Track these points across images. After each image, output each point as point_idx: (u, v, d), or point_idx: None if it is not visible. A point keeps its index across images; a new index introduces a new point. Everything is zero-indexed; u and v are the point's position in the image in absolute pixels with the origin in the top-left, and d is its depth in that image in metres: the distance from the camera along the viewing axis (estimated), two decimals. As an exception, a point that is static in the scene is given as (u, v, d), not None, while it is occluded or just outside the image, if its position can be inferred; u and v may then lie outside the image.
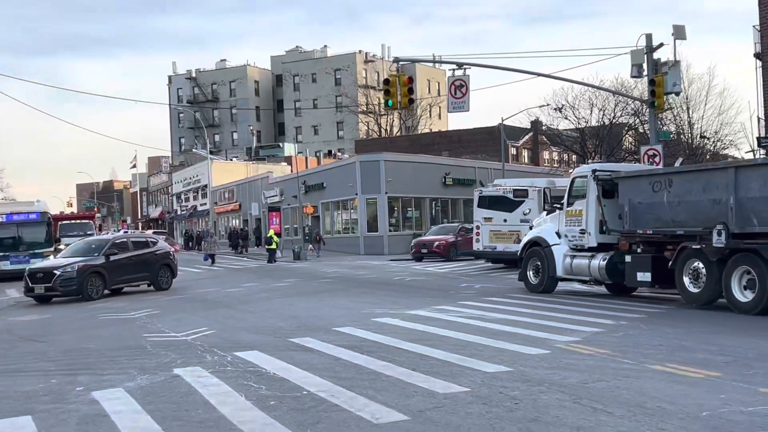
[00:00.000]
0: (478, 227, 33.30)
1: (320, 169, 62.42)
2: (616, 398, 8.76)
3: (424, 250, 41.09)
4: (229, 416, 8.54)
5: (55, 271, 24.52)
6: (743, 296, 16.08)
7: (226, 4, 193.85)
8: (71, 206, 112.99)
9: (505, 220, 31.69)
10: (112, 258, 25.65)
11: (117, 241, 27.18)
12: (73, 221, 55.46)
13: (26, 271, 25.94)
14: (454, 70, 26.17)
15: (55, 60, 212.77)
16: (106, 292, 25.78)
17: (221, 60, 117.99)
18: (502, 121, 54.21)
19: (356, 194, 52.33)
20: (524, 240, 23.65)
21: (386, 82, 25.95)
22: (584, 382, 9.70)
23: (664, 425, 7.59)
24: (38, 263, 28.22)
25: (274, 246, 44.98)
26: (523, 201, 31.28)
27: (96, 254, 25.69)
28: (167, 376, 11.14)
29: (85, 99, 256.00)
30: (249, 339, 14.42)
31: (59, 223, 50.52)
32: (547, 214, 23.16)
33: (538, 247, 22.15)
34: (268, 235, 46.72)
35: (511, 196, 31.49)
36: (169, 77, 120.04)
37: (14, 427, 8.57)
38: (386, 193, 51.65)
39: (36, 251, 36.88)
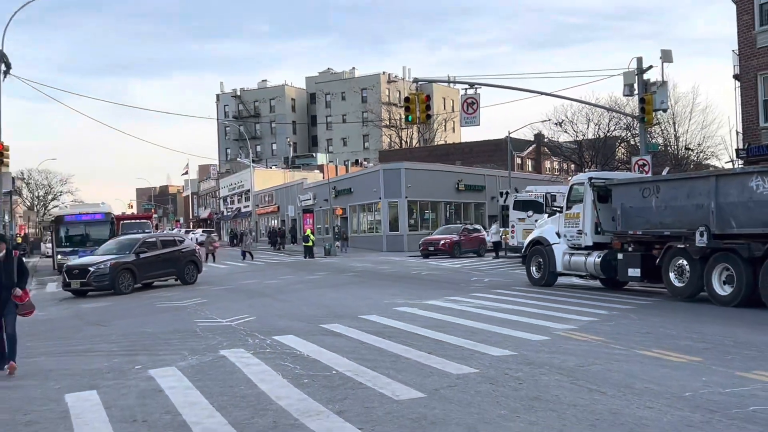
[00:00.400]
0: (513, 226, 35.07)
1: (348, 176, 62.41)
2: (608, 380, 8.71)
3: (431, 248, 40.73)
4: (268, 392, 8.58)
5: (89, 268, 23.80)
6: (723, 290, 15.94)
7: (266, 31, 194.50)
8: (131, 207, 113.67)
9: (536, 221, 31.97)
10: (141, 255, 24.93)
11: (147, 240, 26.26)
12: (133, 220, 55.63)
13: (63, 268, 25.35)
14: (466, 89, 26.10)
15: (117, 79, 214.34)
16: (137, 286, 24.99)
17: (262, 80, 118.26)
18: (509, 134, 53.92)
19: (380, 198, 52.25)
20: (528, 239, 23.54)
21: (407, 99, 25.92)
22: (580, 365, 9.65)
23: (651, 404, 7.54)
24: (75, 260, 26.91)
25: (310, 243, 44.88)
26: None
27: (127, 252, 24.93)
28: (214, 356, 11.20)
29: (143, 114, 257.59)
30: (285, 325, 14.46)
31: (121, 222, 50.72)
32: (548, 217, 23.05)
33: (540, 245, 22.03)
34: (306, 234, 46.63)
35: (541, 200, 31.79)
36: (217, 95, 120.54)
37: (82, 400, 8.64)
38: (406, 197, 51.52)
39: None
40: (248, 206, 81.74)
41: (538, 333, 12.43)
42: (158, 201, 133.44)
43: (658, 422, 6.88)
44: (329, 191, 57.08)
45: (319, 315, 15.85)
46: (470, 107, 25.49)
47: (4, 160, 29.24)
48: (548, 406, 7.57)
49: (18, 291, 10.57)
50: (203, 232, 71.77)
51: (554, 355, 10.41)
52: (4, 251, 10.61)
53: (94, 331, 15.14)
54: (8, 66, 29.63)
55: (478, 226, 45.83)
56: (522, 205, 35.11)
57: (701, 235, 16.17)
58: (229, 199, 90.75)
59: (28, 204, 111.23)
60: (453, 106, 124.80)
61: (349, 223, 57.07)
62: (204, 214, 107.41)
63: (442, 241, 40.68)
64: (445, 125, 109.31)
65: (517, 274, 25.71)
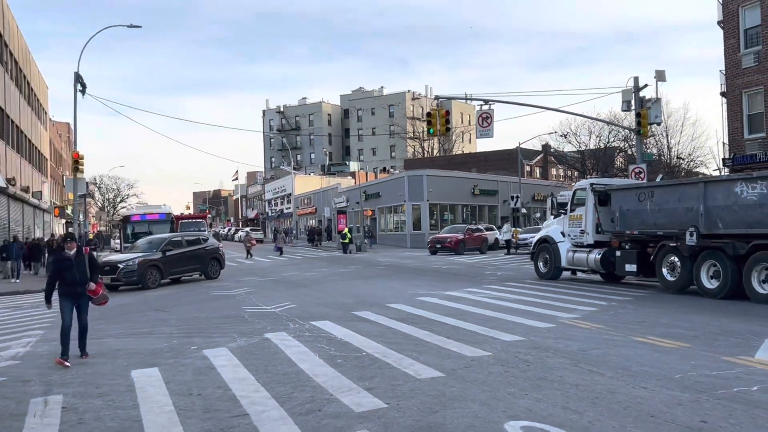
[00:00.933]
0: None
1: (377, 181, 62.35)
2: (607, 363, 8.63)
3: (438, 245, 39.84)
4: (306, 371, 8.62)
5: (119, 265, 22.82)
6: (710, 284, 15.70)
7: (306, 55, 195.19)
8: (189, 209, 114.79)
9: None
10: (168, 253, 23.98)
11: (173, 239, 25.23)
12: (189, 220, 56.20)
13: None
14: (481, 105, 25.96)
15: (176, 97, 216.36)
16: (164, 281, 24.22)
17: (302, 98, 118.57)
18: (519, 144, 53.57)
19: (405, 201, 52.17)
20: (535, 238, 23.36)
21: (428, 114, 25.84)
22: (582, 349, 9.57)
23: (645, 384, 7.45)
24: (106, 257, 25.82)
25: (347, 240, 44.81)
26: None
27: (155, 250, 23.94)
28: (260, 339, 11.27)
29: (198, 127, 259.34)
30: (322, 311, 14.51)
31: (180, 221, 51.22)
32: (554, 218, 22.85)
33: (546, 243, 21.86)
34: (343, 232, 46.53)
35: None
36: (263, 111, 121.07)
37: (145, 376, 8.75)
38: (428, 200, 51.41)
39: None
40: (290, 208, 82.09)
41: (545, 321, 12.34)
42: (212, 203, 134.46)
43: (651, 401, 6.80)
44: (360, 195, 57.13)
45: (351, 303, 15.88)
46: (485, 121, 25.34)
47: (80, 167, 29.63)
48: (553, 385, 7.52)
49: (92, 285, 10.30)
50: (250, 230, 72.04)
51: (559, 340, 10.33)
52: (75, 249, 10.32)
53: (157, 316, 15.30)
54: (84, 86, 30.02)
55: (481, 226, 44.88)
56: (558, 206, 34.90)
57: (691, 234, 15.94)
58: (273, 202, 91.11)
59: (100, 205, 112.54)
60: (470, 120, 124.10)
61: (377, 223, 57.04)
62: (251, 214, 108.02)
63: (448, 240, 39.82)
64: (462, 137, 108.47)
65: (526, 268, 25.53)
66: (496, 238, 43.63)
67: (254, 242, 46.89)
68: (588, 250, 19.90)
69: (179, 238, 25.83)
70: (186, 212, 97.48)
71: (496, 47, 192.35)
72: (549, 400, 6.91)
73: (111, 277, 22.48)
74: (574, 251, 20.49)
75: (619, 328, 11.40)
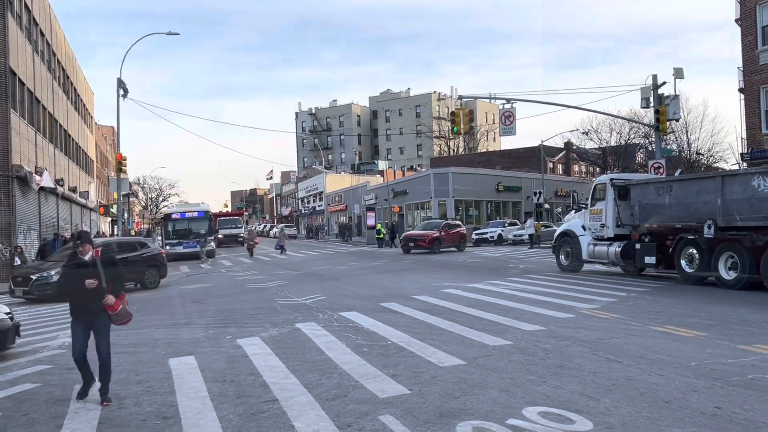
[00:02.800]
0: None
1: (404, 179, 62.24)
2: (625, 351, 8.52)
3: (411, 244, 35.57)
4: (334, 359, 8.65)
5: (32, 276, 19.19)
6: (728, 275, 15.41)
7: (336, 59, 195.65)
8: (227, 206, 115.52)
9: None
10: None
11: (101, 245, 19.01)
12: (227, 217, 56.82)
13: (12, 275, 20.65)
14: (503, 104, 25.77)
15: (213, 101, 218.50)
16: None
17: (333, 100, 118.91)
18: (542, 142, 53.09)
19: (431, 198, 52.04)
20: (557, 231, 23.13)
21: (452, 114, 25.78)
22: (601, 339, 9.46)
23: (661, 372, 7.34)
24: (22, 270, 21.19)
25: (381, 235, 44.67)
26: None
27: None
28: (291, 329, 11.34)
29: (234, 128, 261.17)
30: (350, 303, 14.54)
31: (218, 218, 51.50)
32: (575, 212, 22.60)
33: (568, 237, 21.64)
34: (377, 228, 46.32)
35: None
36: (296, 113, 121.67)
37: (182, 363, 8.86)
38: (453, 197, 51.22)
39: (200, 239, 37.68)
40: (321, 205, 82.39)
41: (565, 311, 12.22)
42: (248, 201, 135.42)
43: (666, 387, 6.70)
44: (388, 192, 57.11)
45: (378, 295, 15.89)
46: (507, 119, 25.13)
47: (123, 168, 30.07)
48: (571, 373, 7.44)
49: (110, 299, 7.14)
50: (285, 226, 72.47)
51: (578, 330, 10.22)
52: (89, 254, 7.22)
53: (195, 308, 15.47)
54: (126, 91, 30.47)
55: (458, 222, 41.38)
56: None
57: (709, 227, 15.66)
58: (306, 200, 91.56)
59: (143, 204, 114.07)
60: (494, 119, 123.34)
61: (404, 219, 56.94)
62: (285, 212, 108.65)
63: (423, 237, 35.61)
64: (487, 135, 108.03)
65: (548, 261, 25.30)
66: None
67: (257, 241, 43.17)
68: (608, 243, 19.65)
69: (110, 244, 21.64)
70: (224, 210, 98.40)
71: (518, 48, 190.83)
72: (566, 386, 6.85)
73: (23, 289, 19.03)
74: (595, 244, 20.24)
75: (637, 317, 11.24)
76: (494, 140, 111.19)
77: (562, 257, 21.80)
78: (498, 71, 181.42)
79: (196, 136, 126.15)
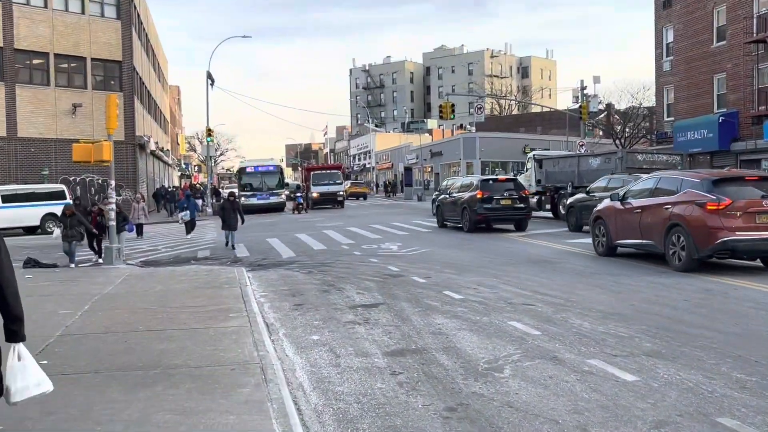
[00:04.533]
0: None
1: (439, 142, 75.49)
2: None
3: None
4: (335, 239, 23.23)
5: None
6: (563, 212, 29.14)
7: (396, 17, 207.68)
8: (282, 161, 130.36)
9: None
10: None
11: None
12: (322, 171, 51.74)
13: None
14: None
15: (251, 45, 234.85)
16: None
17: (387, 56, 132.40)
18: (585, 100, 65.39)
19: (460, 159, 65.60)
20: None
21: (440, 107, 39.29)
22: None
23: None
24: None
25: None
26: None
27: None
28: (318, 231, 25.87)
29: (277, 77, 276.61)
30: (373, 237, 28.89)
31: (311, 173, 50.18)
32: (521, 175, 36.19)
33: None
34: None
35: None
36: (350, 69, 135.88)
37: (273, 240, 23.55)
38: (480, 158, 64.63)
39: (273, 191, 44.21)
40: (370, 163, 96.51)
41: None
42: (303, 157, 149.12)
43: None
44: (427, 153, 70.89)
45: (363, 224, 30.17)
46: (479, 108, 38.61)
47: (212, 138, 45.28)
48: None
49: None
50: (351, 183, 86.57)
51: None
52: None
53: (267, 227, 30.20)
54: (213, 80, 45.37)
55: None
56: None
57: (569, 186, 29.33)
58: (357, 157, 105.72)
59: (202, 158, 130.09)
60: (549, 75, 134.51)
61: (440, 178, 70.78)
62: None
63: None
64: (541, 93, 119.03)
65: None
66: None
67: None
68: (531, 196, 33.31)
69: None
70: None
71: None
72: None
73: None
74: (526, 197, 33.91)
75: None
76: (550, 97, 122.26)
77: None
78: (555, 10, 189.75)
79: (253, 99, 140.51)
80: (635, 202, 15.30)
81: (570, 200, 25.64)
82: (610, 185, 21.92)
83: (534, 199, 32.89)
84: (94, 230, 18.53)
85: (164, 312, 10.23)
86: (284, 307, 10.98)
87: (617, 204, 16.03)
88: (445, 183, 39.47)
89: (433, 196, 37.98)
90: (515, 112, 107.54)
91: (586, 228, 20.96)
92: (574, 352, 7.45)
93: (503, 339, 8.14)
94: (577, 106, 40.39)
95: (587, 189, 23.69)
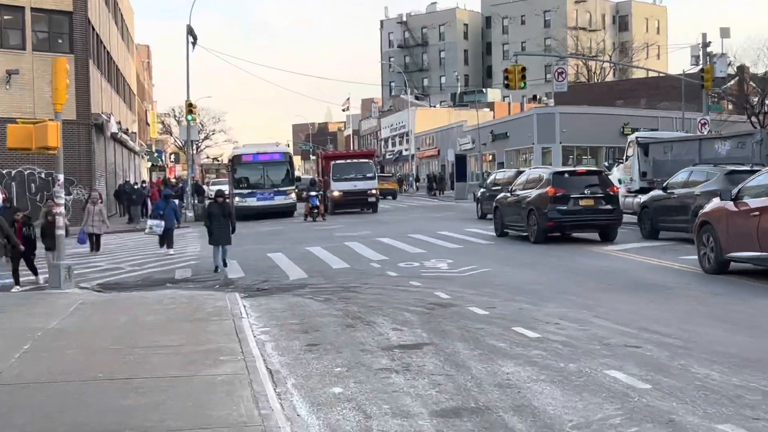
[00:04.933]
0: None
1: (503, 119, 74.51)
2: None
3: None
4: (360, 252, 23.34)
5: None
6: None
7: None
8: (288, 146, 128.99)
9: None
10: None
11: None
12: (348, 160, 50.06)
13: None
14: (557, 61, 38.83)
15: None
16: None
17: (432, 3, 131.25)
18: (709, 62, 64.28)
19: (533, 143, 64.95)
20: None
21: (506, 71, 39.03)
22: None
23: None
24: None
25: None
26: None
27: None
28: (339, 244, 26.00)
29: (281, 33, 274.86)
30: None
31: (332, 162, 48.51)
32: (616, 167, 35.83)
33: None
34: None
35: None
36: (381, 21, 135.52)
37: (276, 254, 23.73)
38: (561, 142, 63.83)
39: (280, 189, 43.18)
40: (409, 149, 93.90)
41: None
42: (316, 141, 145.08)
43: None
44: (486, 136, 70.20)
45: (401, 233, 30.25)
46: (560, 76, 38.40)
47: (194, 115, 45.75)
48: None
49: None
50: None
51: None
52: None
53: (271, 236, 30.44)
54: (195, 38, 45.85)
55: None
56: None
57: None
58: (390, 141, 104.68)
59: (180, 144, 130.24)
60: (658, 28, 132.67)
61: (504, 169, 70.04)
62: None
63: None
64: (647, 52, 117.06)
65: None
66: None
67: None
68: (634, 195, 32.89)
69: None
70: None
71: None
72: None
73: None
74: (625, 196, 33.50)
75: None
76: (658, 58, 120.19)
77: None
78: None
79: (245, 62, 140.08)
80: (753, 203, 15.17)
81: (643, 199, 25.55)
82: (691, 179, 22.17)
83: (638, 199, 32.54)
84: (21, 246, 18.15)
85: (131, 354, 10.29)
86: (293, 348, 10.99)
87: (729, 205, 15.88)
88: (492, 177, 39.40)
89: (478, 195, 37.97)
90: (609, 78, 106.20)
91: (662, 235, 23.44)
92: (699, 413, 7.32)
93: (598, 395, 8.03)
94: (697, 69, 39.77)
95: (664, 184, 23.92)
